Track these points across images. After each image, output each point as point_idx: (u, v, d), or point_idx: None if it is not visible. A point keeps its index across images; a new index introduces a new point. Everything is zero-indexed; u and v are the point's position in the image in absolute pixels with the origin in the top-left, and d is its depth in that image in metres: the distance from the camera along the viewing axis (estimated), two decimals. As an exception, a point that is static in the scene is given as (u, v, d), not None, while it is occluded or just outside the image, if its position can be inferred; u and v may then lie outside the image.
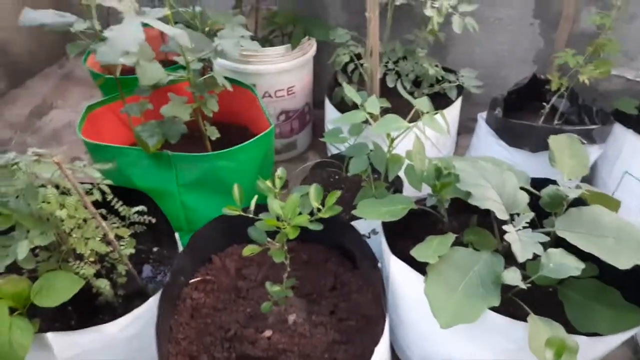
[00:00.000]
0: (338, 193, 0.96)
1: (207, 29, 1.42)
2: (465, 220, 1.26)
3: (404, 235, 1.20)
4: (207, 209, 1.35)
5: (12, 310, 0.92)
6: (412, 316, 1.12)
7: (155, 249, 1.30)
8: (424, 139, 1.18)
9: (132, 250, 1.11)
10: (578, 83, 1.60)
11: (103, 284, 1.05)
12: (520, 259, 0.91)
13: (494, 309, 0.91)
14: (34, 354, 0.92)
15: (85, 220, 1.03)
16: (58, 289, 0.95)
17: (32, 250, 1.02)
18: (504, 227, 0.98)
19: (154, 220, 1.18)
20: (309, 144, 2.17)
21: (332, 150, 1.94)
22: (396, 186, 1.43)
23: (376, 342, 0.94)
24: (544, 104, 1.71)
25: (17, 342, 0.86)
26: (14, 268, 0.99)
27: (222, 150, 1.29)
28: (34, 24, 1.10)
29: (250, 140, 1.32)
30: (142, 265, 1.25)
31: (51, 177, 0.97)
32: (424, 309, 0.91)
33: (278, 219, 0.91)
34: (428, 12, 1.53)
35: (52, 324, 1.06)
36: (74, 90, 2.62)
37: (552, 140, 1.34)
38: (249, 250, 0.93)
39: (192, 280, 1.19)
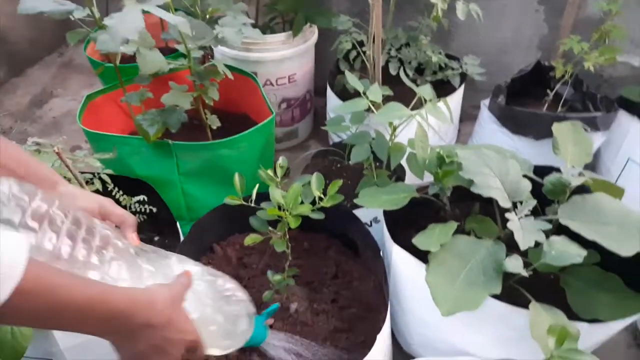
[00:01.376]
0: (340, 182, 0.95)
1: (207, 16, 1.41)
2: (468, 208, 1.25)
3: (406, 223, 1.20)
4: (209, 197, 1.35)
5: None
6: (413, 304, 1.12)
7: (156, 238, 1.30)
8: (426, 127, 1.17)
9: (134, 239, 1.10)
10: (583, 70, 1.58)
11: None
12: (522, 246, 0.90)
13: (495, 296, 0.91)
14: (37, 343, 0.93)
15: (86, 210, 1.03)
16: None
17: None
18: (507, 215, 0.98)
19: (155, 210, 1.18)
20: (310, 132, 2.16)
21: (334, 138, 1.93)
22: (398, 174, 1.43)
23: (378, 330, 0.94)
24: (548, 91, 1.69)
25: (19, 332, 0.86)
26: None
27: (223, 139, 1.28)
28: (33, 12, 1.09)
29: (252, 128, 1.31)
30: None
31: (51, 166, 0.97)
32: (425, 296, 0.91)
33: (280, 208, 0.91)
34: (432, -2, 1.51)
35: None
36: (74, 79, 2.61)
37: (556, 127, 1.33)
38: (250, 239, 0.93)
39: (194, 269, 1.19)
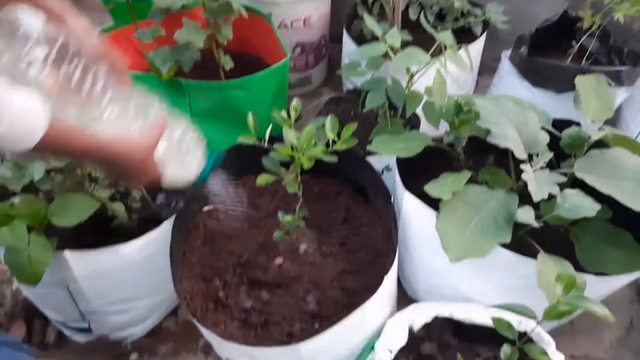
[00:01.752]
0: (354, 126, 0.94)
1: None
2: (482, 159, 1.24)
3: (418, 173, 1.19)
4: (221, 138, 1.34)
5: (30, 230, 0.94)
6: (422, 251, 1.14)
7: (169, 177, 1.31)
8: (445, 75, 1.14)
9: (147, 176, 1.11)
10: (612, 22, 1.51)
11: (118, 207, 1.07)
12: (536, 198, 0.90)
13: (504, 245, 0.92)
14: (53, 271, 0.96)
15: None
16: (74, 209, 0.96)
17: (47, 172, 1.03)
18: (522, 166, 0.96)
19: (167, 148, 1.18)
20: (324, 78, 2.12)
21: (348, 86, 1.89)
22: (413, 123, 1.41)
23: (385, 272, 0.96)
24: (573, 42, 1.63)
25: (36, 258, 0.89)
26: (30, 190, 1.01)
27: (236, 79, 1.26)
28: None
29: (266, 69, 1.29)
30: (156, 193, 1.26)
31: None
32: (434, 244, 0.92)
33: (293, 149, 0.90)
34: (457, -63, 1.43)
35: (70, 243, 1.09)
36: (85, 17, 2.55)
37: (579, 80, 1.29)
38: (263, 179, 0.93)
39: (206, 208, 1.20)
